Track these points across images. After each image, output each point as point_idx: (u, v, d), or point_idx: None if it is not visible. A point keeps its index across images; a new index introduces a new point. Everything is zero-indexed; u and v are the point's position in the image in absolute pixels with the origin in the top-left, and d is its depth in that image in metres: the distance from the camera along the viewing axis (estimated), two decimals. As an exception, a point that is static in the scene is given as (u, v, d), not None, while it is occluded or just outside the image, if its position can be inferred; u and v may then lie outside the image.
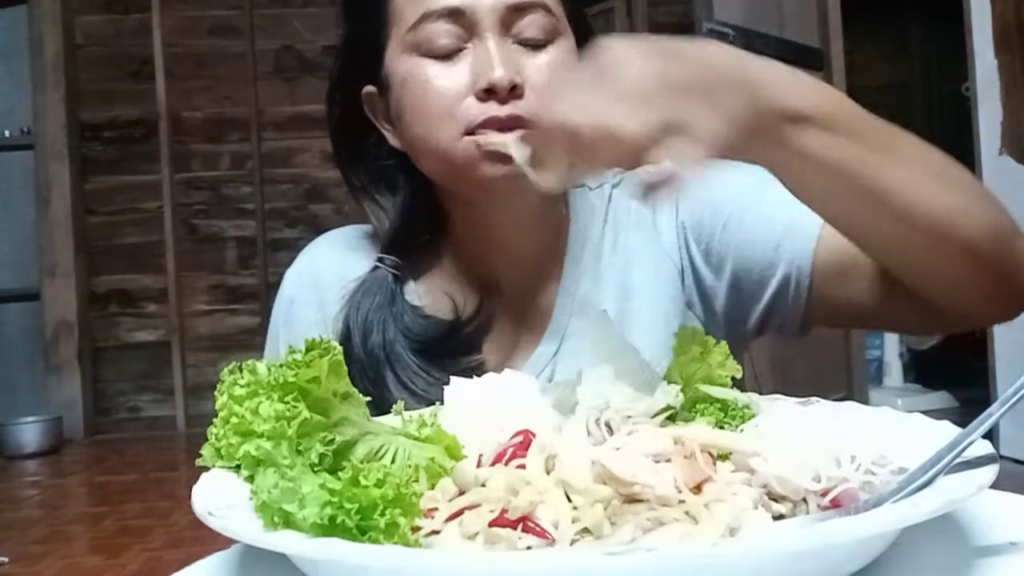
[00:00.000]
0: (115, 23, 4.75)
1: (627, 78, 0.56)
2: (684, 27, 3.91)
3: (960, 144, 3.34)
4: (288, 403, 0.50)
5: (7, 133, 4.67)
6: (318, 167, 4.77)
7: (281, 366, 0.51)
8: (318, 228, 4.87)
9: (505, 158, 0.74)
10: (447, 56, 0.78)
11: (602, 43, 0.59)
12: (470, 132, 0.76)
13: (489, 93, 0.75)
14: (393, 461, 0.53)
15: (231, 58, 4.79)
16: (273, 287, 4.18)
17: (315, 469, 0.49)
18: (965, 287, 0.67)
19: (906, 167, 0.62)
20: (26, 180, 4.65)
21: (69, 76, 4.63)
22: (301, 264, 0.93)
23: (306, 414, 0.50)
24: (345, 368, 0.55)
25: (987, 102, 2.97)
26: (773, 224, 0.79)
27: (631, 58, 0.57)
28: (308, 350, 0.52)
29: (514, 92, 0.75)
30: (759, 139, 0.58)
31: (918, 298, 0.70)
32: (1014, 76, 2.88)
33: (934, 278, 0.68)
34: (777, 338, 0.85)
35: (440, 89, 0.77)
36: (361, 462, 0.49)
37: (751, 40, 3.14)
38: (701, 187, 0.84)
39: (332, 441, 0.51)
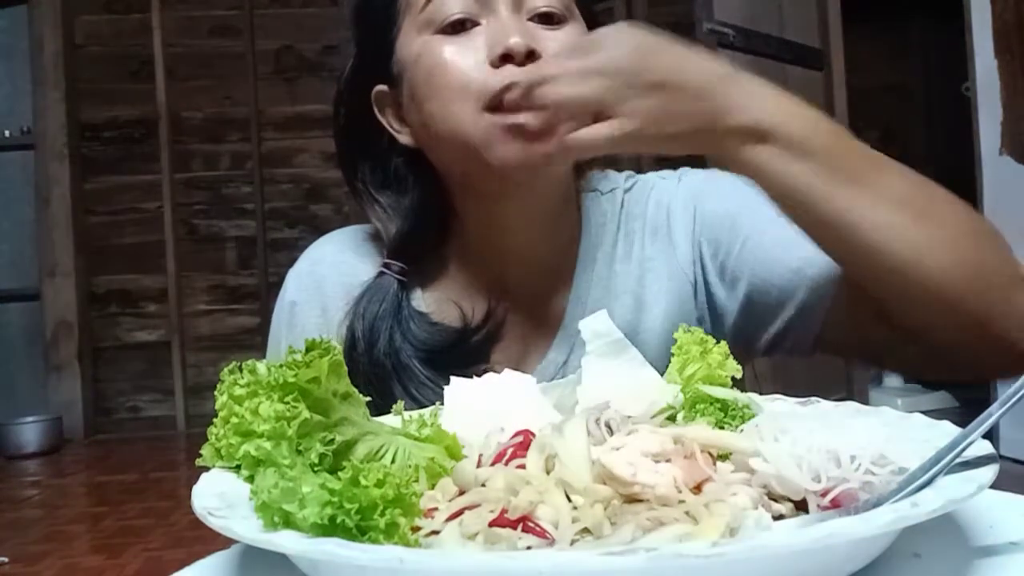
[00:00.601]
0: (115, 23, 4.75)
1: (596, 55, 0.64)
2: (684, 27, 3.91)
3: (960, 144, 3.34)
4: (288, 403, 0.50)
5: (7, 133, 4.67)
6: (318, 167, 4.78)
7: (281, 366, 0.51)
8: (318, 228, 4.89)
9: (524, 134, 0.73)
10: (460, 30, 0.77)
11: (616, 25, 0.67)
12: (488, 108, 0.74)
13: (504, 60, 0.74)
14: (393, 461, 0.53)
15: (231, 58, 4.79)
16: (273, 287, 4.18)
17: (315, 469, 0.49)
18: (941, 327, 0.66)
19: (869, 199, 0.63)
20: (26, 180, 4.65)
21: (69, 76, 4.63)
22: (303, 266, 0.91)
23: (306, 414, 0.50)
24: (345, 368, 0.55)
25: (987, 102, 2.97)
26: (794, 246, 0.76)
27: (614, 41, 0.65)
28: (308, 350, 0.52)
29: (531, 58, 0.74)
30: (711, 146, 0.64)
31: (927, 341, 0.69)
32: (1014, 76, 2.88)
33: (906, 312, 0.67)
34: (794, 356, 0.85)
35: (455, 61, 0.76)
36: (361, 462, 0.49)
37: (751, 40, 3.14)
38: (720, 201, 0.83)
39: (332, 441, 0.51)
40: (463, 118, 0.75)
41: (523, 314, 0.86)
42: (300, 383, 0.51)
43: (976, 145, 3.03)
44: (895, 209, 0.63)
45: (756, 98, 0.64)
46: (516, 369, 0.80)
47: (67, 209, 4.59)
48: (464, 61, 0.76)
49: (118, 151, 4.75)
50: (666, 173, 0.91)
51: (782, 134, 0.62)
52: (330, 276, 0.88)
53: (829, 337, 0.78)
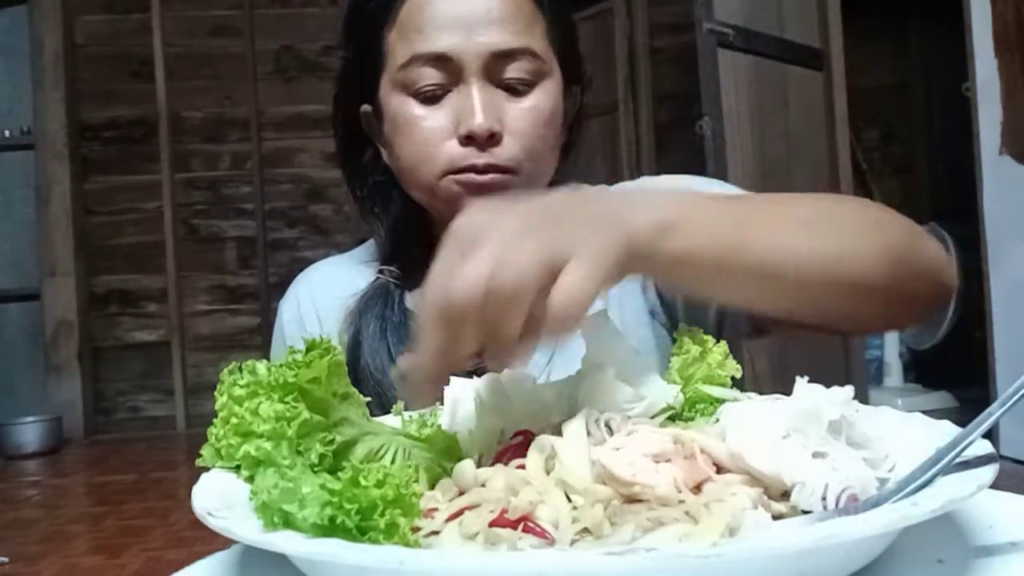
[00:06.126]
0: (115, 23, 4.75)
1: (501, 229, 0.51)
2: (684, 27, 3.91)
3: (960, 144, 3.34)
4: (288, 403, 0.50)
5: (7, 133, 4.68)
6: (318, 167, 4.78)
7: (281, 366, 0.51)
8: (318, 228, 4.89)
9: (481, 189, 0.80)
10: (433, 98, 0.81)
11: (463, 218, 0.55)
12: (451, 172, 0.81)
13: (469, 139, 0.79)
14: (393, 461, 0.53)
15: (231, 58, 4.79)
16: (273, 287, 4.17)
17: (315, 469, 0.49)
18: (883, 315, 0.68)
19: (771, 235, 0.61)
20: (26, 180, 4.65)
21: (69, 76, 4.63)
22: (299, 287, 0.96)
23: (306, 414, 0.50)
24: (346, 368, 0.55)
25: (987, 102, 2.97)
26: None
27: (498, 214, 0.54)
28: (308, 350, 0.52)
29: (492, 140, 0.79)
30: (636, 257, 0.55)
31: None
32: (1014, 76, 2.88)
33: (853, 319, 0.68)
34: (737, 338, 0.86)
35: (424, 131, 0.81)
36: (361, 462, 0.49)
37: (751, 40, 3.14)
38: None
39: (332, 441, 0.51)
40: (429, 180, 0.82)
41: None
42: (300, 383, 0.51)
43: (976, 145, 3.03)
44: (795, 233, 0.62)
45: (638, 202, 0.59)
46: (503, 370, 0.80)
47: (67, 209, 4.60)
48: (433, 135, 0.81)
49: (118, 151, 4.75)
50: (629, 183, 0.95)
51: (678, 219, 0.57)
52: (326, 295, 0.92)
53: (763, 318, 0.80)
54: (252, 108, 4.78)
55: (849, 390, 0.52)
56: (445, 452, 0.55)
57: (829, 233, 0.63)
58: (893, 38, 4.83)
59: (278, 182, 4.82)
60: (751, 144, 3.12)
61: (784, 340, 3.00)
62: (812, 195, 0.67)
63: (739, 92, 3.09)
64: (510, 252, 0.50)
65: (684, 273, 0.60)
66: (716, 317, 0.84)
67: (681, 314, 0.86)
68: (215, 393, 0.52)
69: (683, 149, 4.28)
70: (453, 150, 0.80)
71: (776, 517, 0.46)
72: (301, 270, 1.00)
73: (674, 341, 0.64)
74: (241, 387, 0.52)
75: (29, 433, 4.22)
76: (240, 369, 0.53)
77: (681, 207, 0.58)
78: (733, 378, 0.64)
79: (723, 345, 0.64)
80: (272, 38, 4.81)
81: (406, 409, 0.60)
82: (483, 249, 0.50)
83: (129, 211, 4.75)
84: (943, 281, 0.68)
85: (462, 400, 0.63)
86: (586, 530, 0.44)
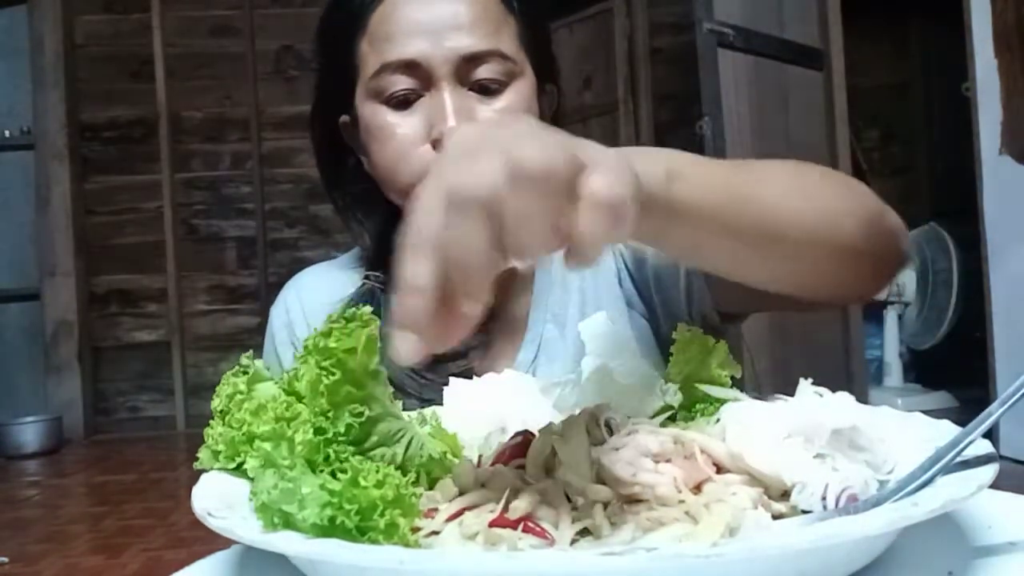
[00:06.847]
0: (115, 23, 4.75)
1: (507, 131, 0.45)
2: (684, 27, 3.91)
3: (960, 144, 3.34)
4: (325, 369, 0.50)
5: (7, 133, 4.67)
6: (318, 167, 4.77)
7: (321, 333, 0.51)
8: (318, 228, 4.88)
9: None
10: (405, 103, 0.82)
11: (458, 131, 0.48)
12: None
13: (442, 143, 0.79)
14: (407, 450, 0.53)
15: (231, 58, 4.79)
16: (273, 287, 4.17)
17: (340, 440, 0.49)
18: (854, 282, 0.70)
19: (768, 193, 0.61)
20: (26, 180, 4.65)
21: (69, 76, 4.63)
22: (289, 293, 0.96)
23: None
24: (378, 345, 0.54)
25: (987, 102, 2.97)
26: None
27: (496, 126, 0.49)
28: (348, 320, 0.51)
29: None
30: (647, 201, 0.50)
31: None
32: (1014, 76, 2.88)
33: (829, 285, 0.69)
34: (709, 328, 0.86)
35: (398, 138, 0.82)
36: (378, 444, 0.49)
37: (751, 40, 3.14)
38: None
39: (361, 414, 0.50)
40: (406, 185, 0.81)
41: (492, 318, 0.90)
42: (339, 351, 0.50)
43: (976, 145, 3.03)
44: (788, 191, 0.62)
45: (639, 151, 0.55)
46: (490, 367, 0.81)
47: (67, 209, 4.59)
48: (406, 141, 0.81)
49: (118, 151, 4.75)
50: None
51: (681, 167, 0.55)
52: (314, 300, 0.93)
53: (724, 298, 0.81)
54: (252, 108, 4.78)
55: (851, 398, 0.53)
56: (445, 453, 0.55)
57: (815, 194, 0.64)
58: (893, 38, 4.83)
59: (278, 182, 4.82)
60: (751, 144, 3.12)
61: (784, 340, 3.00)
62: (787, 162, 0.67)
63: (739, 92, 3.09)
64: (525, 144, 0.42)
65: (689, 227, 0.57)
66: (687, 305, 0.84)
67: (658, 305, 0.87)
68: (215, 392, 0.53)
69: (683, 149, 4.27)
70: (428, 155, 0.81)
71: (776, 517, 0.46)
72: (301, 270, 1.00)
73: (654, 332, 0.64)
74: (238, 375, 0.52)
75: (29, 433, 4.22)
76: (244, 371, 0.53)
77: (680, 160, 0.57)
78: (733, 378, 0.64)
79: (723, 345, 0.64)
80: (272, 38, 4.81)
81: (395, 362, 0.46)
82: (493, 146, 0.42)
83: (129, 211, 4.75)
84: (902, 247, 0.71)
85: (462, 400, 0.63)
86: (586, 530, 0.44)
